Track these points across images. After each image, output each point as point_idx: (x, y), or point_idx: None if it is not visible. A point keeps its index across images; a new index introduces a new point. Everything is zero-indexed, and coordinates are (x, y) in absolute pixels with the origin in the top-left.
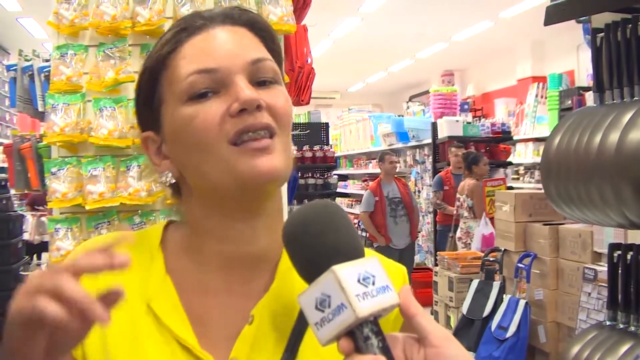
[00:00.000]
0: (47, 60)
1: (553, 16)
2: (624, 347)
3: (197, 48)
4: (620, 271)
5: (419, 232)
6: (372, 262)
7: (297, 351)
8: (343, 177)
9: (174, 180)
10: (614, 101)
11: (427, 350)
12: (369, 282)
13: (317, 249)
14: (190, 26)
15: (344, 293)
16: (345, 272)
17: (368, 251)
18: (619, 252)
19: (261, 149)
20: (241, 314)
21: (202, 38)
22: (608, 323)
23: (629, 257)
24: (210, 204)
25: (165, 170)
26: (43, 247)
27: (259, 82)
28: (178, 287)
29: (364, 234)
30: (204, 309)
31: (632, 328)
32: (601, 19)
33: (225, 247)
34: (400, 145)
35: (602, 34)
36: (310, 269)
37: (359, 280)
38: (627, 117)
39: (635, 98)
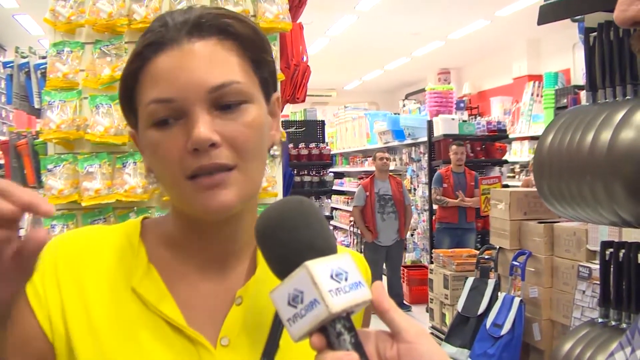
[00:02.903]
0: (44, 57)
1: (546, 15)
2: (616, 345)
3: (158, 71)
4: (612, 269)
5: (415, 229)
6: (345, 258)
7: (282, 331)
8: (339, 175)
9: (154, 180)
10: (607, 100)
11: (400, 345)
12: (341, 278)
13: (290, 245)
14: (155, 41)
15: (316, 289)
16: (318, 267)
17: (341, 248)
18: (611, 250)
19: (215, 185)
20: (226, 298)
21: (164, 58)
22: (600, 320)
23: (621, 254)
24: (184, 213)
25: (148, 169)
26: None
27: (223, 107)
28: (162, 275)
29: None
30: (189, 295)
31: (624, 325)
32: (594, 19)
33: (204, 244)
34: (396, 143)
35: (595, 34)
36: (283, 265)
37: (331, 276)
38: (619, 115)
39: (627, 97)
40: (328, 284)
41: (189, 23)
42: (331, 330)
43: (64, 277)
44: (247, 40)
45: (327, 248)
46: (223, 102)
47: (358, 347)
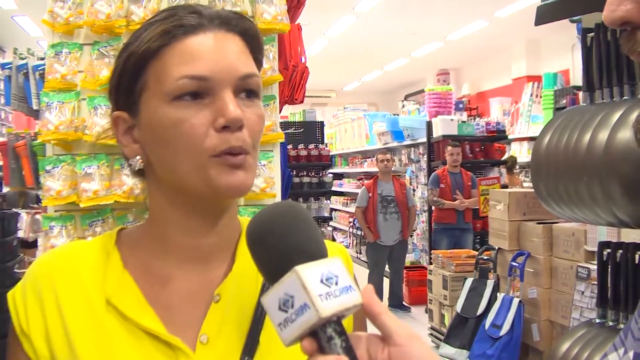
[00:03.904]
0: (42, 59)
1: (544, 16)
2: (610, 346)
3: (192, 50)
4: (610, 269)
5: (414, 230)
6: (335, 262)
7: (261, 327)
8: (338, 176)
9: (141, 166)
10: (604, 100)
11: (391, 349)
12: (332, 282)
13: (280, 250)
14: (187, 24)
15: (306, 293)
16: (308, 272)
17: (330, 247)
18: (609, 250)
19: (238, 165)
20: (205, 296)
21: (199, 40)
22: (598, 321)
23: (618, 255)
24: (176, 198)
25: (133, 154)
26: None
27: (242, 96)
28: (137, 280)
29: (359, 232)
30: (167, 296)
31: (621, 326)
32: (592, 19)
33: (186, 239)
34: (395, 144)
35: (593, 34)
36: (274, 270)
37: (322, 281)
38: (616, 116)
39: (624, 97)
40: (318, 288)
41: (222, 16)
42: (322, 334)
43: (47, 301)
44: (257, 45)
45: (317, 252)
46: (245, 92)
47: (349, 351)
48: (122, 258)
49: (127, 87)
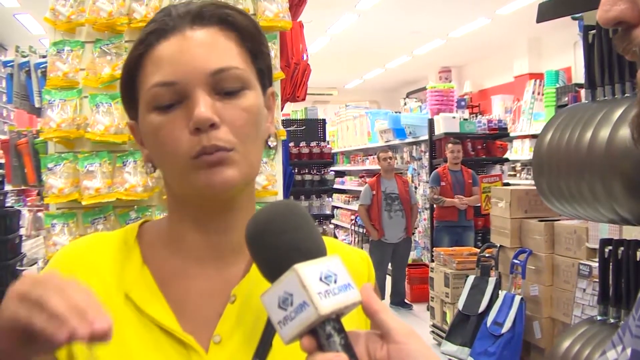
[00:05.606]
0: (44, 57)
1: (545, 13)
2: (609, 343)
3: (161, 56)
4: (611, 266)
5: (416, 228)
6: (334, 260)
7: (275, 332)
8: (340, 174)
9: (152, 170)
10: (606, 98)
11: (390, 346)
12: (330, 281)
13: (279, 248)
14: (159, 28)
15: (305, 291)
16: (307, 270)
17: (353, 255)
18: (610, 247)
19: (216, 162)
20: (221, 296)
21: (167, 44)
22: (599, 318)
23: (620, 252)
24: (183, 199)
25: (146, 159)
26: None
27: (223, 92)
28: (156, 276)
29: (361, 230)
30: (184, 294)
31: (623, 323)
32: (593, 16)
33: (201, 236)
34: (397, 141)
35: (594, 31)
36: (273, 268)
37: (320, 279)
38: (618, 113)
39: (626, 94)
40: (317, 286)
41: (192, 13)
42: (321, 332)
43: None
44: (246, 32)
45: (316, 250)
46: (223, 87)
47: (348, 348)
48: (142, 253)
49: (127, 98)
